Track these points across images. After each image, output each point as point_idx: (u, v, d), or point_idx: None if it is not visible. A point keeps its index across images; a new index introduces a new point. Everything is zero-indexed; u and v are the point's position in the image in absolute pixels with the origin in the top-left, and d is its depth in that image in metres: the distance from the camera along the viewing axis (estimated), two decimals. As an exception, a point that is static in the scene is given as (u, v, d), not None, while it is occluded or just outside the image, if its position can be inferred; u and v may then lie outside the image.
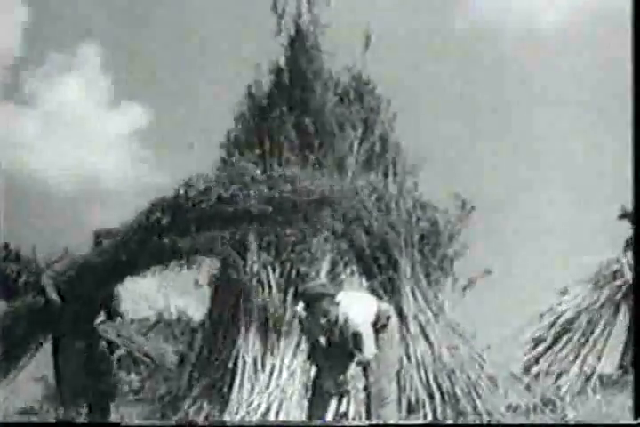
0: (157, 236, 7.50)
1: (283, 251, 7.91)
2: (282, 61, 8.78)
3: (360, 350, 5.48)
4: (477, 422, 7.00)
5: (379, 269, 8.11)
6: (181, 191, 7.55)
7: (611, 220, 9.54)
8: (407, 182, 8.67)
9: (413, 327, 7.72)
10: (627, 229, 9.39)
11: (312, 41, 8.67)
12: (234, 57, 8.67)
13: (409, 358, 7.52)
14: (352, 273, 8.12)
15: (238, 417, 6.95)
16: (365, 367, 5.55)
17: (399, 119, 8.95)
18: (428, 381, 7.41)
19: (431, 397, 7.32)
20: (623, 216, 9.44)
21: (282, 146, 8.43)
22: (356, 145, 8.61)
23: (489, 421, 6.97)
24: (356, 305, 5.66)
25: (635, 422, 5.90)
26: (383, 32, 8.91)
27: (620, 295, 9.01)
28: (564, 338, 8.78)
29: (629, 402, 6.43)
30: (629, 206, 9.02)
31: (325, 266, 7.95)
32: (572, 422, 6.54)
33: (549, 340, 8.87)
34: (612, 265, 9.35)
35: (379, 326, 5.61)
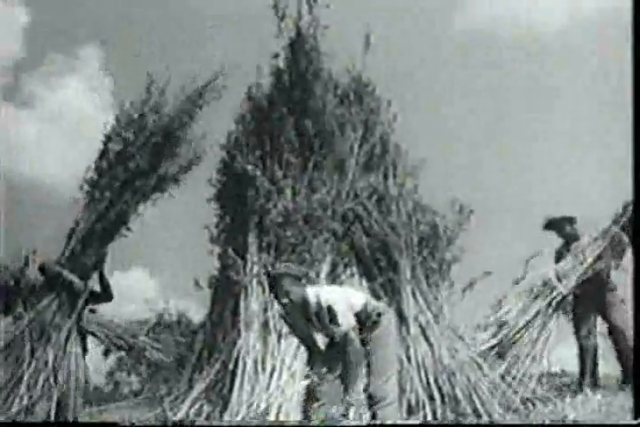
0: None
1: (283, 252, 7.92)
2: (282, 63, 8.81)
3: (336, 323, 5.48)
4: (477, 422, 7.00)
5: (379, 271, 8.12)
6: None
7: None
8: (407, 184, 8.68)
9: (414, 329, 7.72)
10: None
11: (312, 42, 8.69)
12: (234, 58, 8.68)
13: (409, 359, 7.51)
14: (352, 275, 8.13)
15: (239, 418, 6.95)
16: (345, 344, 5.50)
17: (399, 120, 8.97)
18: (428, 382, 7.41)
19: (431, 398, 7.31)
20: (548, 226, 8.77)
21: (282, 147, 8.44)
22: (356, 146, 8.62)
23: (489, 422, 6.96)
24: (329, 289, 5.75)
25: (635, 422, 5.90)
26: (383, 34, 8.92)
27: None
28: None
29: (629, 402, 6.44)
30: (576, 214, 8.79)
31: (326, 267, 7.96)
32: (572, 423, 6.54)
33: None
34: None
35: (369, 324, 5.62)
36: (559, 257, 8.75)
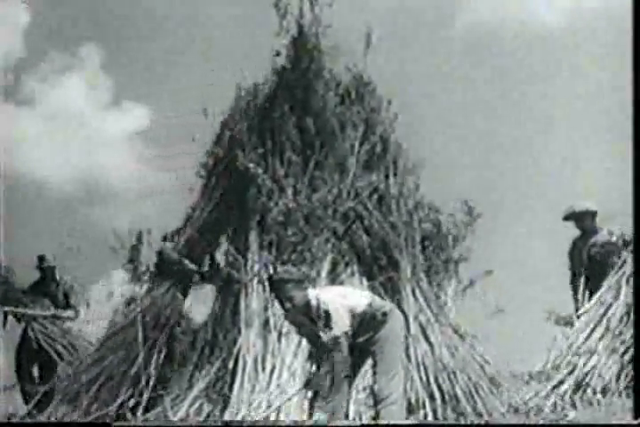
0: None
1: (284, 251, 7.93)
2: (283, 61, 8.80)
3: (330, 327, 5.49)
4: (477, 422, 7.00)
5: (379, 270, 8.11)
6: None
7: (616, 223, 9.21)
8: (408, 183, 8.67)
9: (414, 328, 7.72)
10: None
11: (314, 41, 8.69)
12: (235, 57, 8.68)
13: (409, 358, 7.51)
14: (352, 274, 8.13)
15: (239, 417, 6.96)
16: (333, 348, 5.50)
17: (400, 119, 8.96)
18: (428, 381, 7.41)
19: (432, 397, 7.31)
20: (568, 217, 8.93)
21: (284, 146, 8.44)
22: (357, 145, 8.61)
23: (489, 421, 6.97)
24: (329, 292, 5.76)
25: (635, 422, 5.91)
26: (384, 32, 8.90)
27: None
28: None
29: (629, 402, 6.45)
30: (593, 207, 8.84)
31: (326, 266, 7.96)
32: (572, 422, 6.55)
33: None
34: None
35: (375, 324, 5.63)
36: (574, 248, 8.91)
